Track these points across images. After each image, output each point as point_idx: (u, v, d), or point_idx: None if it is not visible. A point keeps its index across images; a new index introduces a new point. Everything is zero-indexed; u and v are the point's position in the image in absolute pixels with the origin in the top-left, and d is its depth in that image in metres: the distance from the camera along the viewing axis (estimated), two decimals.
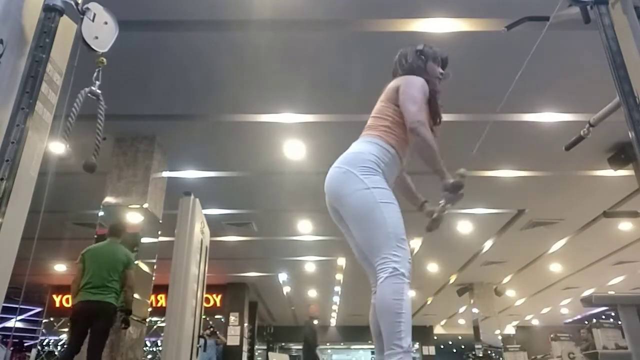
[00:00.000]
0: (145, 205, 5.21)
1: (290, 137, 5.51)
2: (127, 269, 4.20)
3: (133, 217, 5.18)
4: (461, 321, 18.51)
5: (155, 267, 5.38)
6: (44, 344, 12.43)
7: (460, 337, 20.43)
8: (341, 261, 10.20)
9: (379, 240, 1.72)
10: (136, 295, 4.85)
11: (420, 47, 2.14)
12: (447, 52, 2.17)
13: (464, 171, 1.92)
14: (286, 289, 13.42)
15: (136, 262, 4.96)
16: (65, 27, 1.65)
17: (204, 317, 7.14)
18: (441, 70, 2.15)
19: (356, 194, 1.78)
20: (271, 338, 19.99)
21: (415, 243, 9.35)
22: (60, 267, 10.50)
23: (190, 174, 6.38)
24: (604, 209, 7.06)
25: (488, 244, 9.42)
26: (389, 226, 1.72)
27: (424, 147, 1.85)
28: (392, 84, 2.06)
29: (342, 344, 21.88)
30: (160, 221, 5.57)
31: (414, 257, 9.90)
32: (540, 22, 2.14)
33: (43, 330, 12.41)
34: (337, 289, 13.20)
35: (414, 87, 1.97)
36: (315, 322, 8.74)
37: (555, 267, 11.05)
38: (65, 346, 4.14)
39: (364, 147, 1.90)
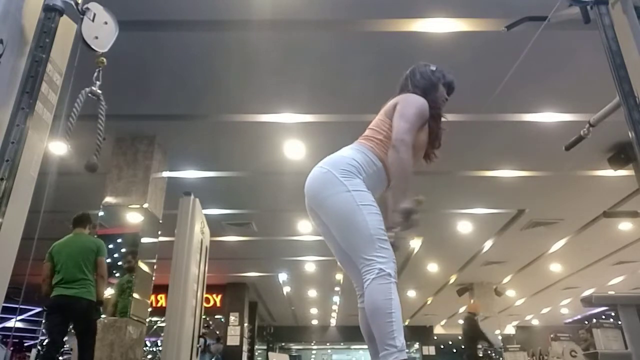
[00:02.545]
0: (145, 205, 5.21)
1: (290, 137, 5.51)
2: (99, 257, 4.02)
3: (133, 217, 5.18)
4: (461, 321, 18.49)
5: (155, 267, 5.38)
6: (44, 344, 12.42)
7: (460, 337, 20.40)
8: None
9: (361, 243, 1.72)
10: (136, 295, 4.86)
11: (434, 68, 2.10)
12: (454, 77, 2.13)
13: (422, 198, 1.86)
14: (286, 289, 13.42)
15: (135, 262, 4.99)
16: (65, 27, 1.65)
17: (204, 317, 7.14)
18: (446, 96, 2.12)
19: (336, 196, 1.77)
20: (271, 338, 19.99)
21: (415, 243, 9.35)
22: None
23: (190, 174, 6.38)
24: (604, 209, 7.06)
25: (488, 244, 9.42)
26: (371, 228, 1.72)
27: (399, 165, 1.80)
28: (394, 100, 2.02)
29: (342, 344, 21.87)
30: (160, 221, 5.57)
31: (414, 257, 9.96)
32: (540, 22, 2.14)
33: (43, 330, 12.39)
34: (337, 289, 13.20)
35: (411, 106, 1.93)
36: (477, 318, 8.11)
37: (555, 267, 11.04)
38: (46, 344, 3.95)
39: (351, 152, 1.89)
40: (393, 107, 1.96)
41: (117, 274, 4.92)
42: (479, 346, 12.41)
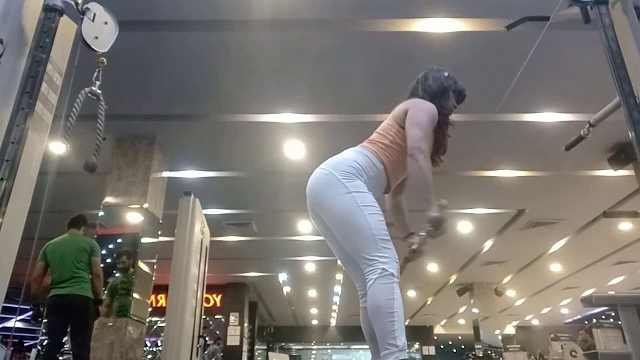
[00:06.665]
0: (145, 205, 5.21)
1: (290, 137, 5.51)
2: (93, 257, 4.07)
3: (133, 217, 5.18)
4: (461, 321, 18.51)
5: (155, 267, 5.38)
6: (44, 344, 12.42)
7: (460, 337, 20.44)
8: None
9: (364, 243, 1.73)
10: (136, 295, 4.86)
11: (446, 74, 2.10)
12: (464, 86, 2.14)
13: (445, 202, 1.88)
14: (286, 289, 13.42)
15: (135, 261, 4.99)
16: (65, 27, 1.65)
17: (204, 317, 7.14)
18: (455, 104, 2.12)
19: (338, 197, 1.78)
20: (271, 338, 19.99)
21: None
22: None
23: (190, 174, 6.38)
24: (604, 209, 7.06)
25: (488, 244, 9.42)
26: (373, 228, 1.73)
27: (418, 175, 1.80)
28: (403, 105, 2.01)
29: (342, 344, 21.88)
30: (160, 221, 5.57)
31: None
32: (540, 22, 2.14)
33: (43, 330, 12.38)
34: (337, 289, 13.20)
35: (423, 112, 1.93)
36: None
37: (555, 267, 11.04)
38: (47, 344, 4.02)
39: (353, 155, 1.90)
40: (404, 113, 1.96)
41: (117, 274, 4.92)
42: (479, 346, 12.44)
